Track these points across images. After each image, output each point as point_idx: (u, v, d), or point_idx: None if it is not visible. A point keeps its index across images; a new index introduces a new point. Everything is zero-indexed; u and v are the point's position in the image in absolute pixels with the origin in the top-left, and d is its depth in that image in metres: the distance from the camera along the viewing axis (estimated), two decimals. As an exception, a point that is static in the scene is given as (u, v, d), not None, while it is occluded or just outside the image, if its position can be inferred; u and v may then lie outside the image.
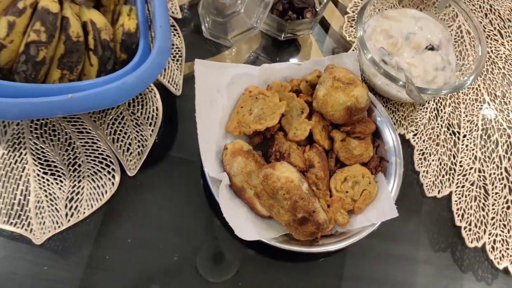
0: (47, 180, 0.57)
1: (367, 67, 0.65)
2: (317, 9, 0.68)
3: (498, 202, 0.64)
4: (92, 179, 0.58)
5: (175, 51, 0.67)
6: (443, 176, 0.65)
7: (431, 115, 0.69)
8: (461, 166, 0.66)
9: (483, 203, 0.64)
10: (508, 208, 0.64)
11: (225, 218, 0.52)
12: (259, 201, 0.54)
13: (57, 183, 0.57)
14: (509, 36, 0.79)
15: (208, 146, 0.57)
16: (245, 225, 0.54)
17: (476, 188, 0.65)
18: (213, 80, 0.60)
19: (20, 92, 0.48)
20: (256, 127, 0.59)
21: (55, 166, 0.58)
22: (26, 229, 0.55)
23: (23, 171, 0.57)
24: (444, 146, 0.67)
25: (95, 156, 0.59)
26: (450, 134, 0.68)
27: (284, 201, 0.52)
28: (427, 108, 0.70)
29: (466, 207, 0.64)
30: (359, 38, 0.63)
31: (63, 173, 0.58)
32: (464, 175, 0.66)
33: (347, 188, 0.58)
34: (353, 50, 0.72)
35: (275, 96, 0.60)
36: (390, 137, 0.62)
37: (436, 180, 0.65)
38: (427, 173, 0.65)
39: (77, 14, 0.51)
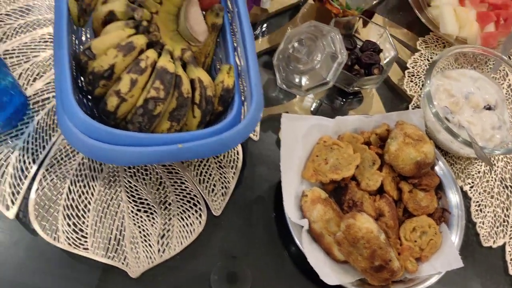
0: (141, 217, 0.62)
1: (431, 123, 0.70)
2: (383, 65, 0.74)
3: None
4: (182, 217, 0.63)
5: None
6: (497, 228, 0.70)
7: (486, 169, 0.74)
8: (513, 218, 0.71)
9: (534, 255, 0.69)
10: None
11: (310, 263, 0.58)
12: (339, 248, 0.59)
13: (149, 220, 0.62)
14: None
15: (289, 192, 0.63)
16: (324, 269, 0.59)
17: (528, 239, 0.70)
18: (294, 132, 0.65)
19: (134, 140, 0.53)
20: (332, 176, 0.64)
21: (148, 204, 0.63)
22: (122, 263, 0.59)
23: (118, 208, 0.62)
24: (498, 199, 0.72)
25: (183, 196, 0.64)
26: (503, 188, 0.73)
27: (363, 250, 0.58)
28: (482, 162, 0.75)
29: (518, 257, 0.69)
30: (426, 94, 0.69)
31: (155, 211, 0.63)
32: (516, 227, 0.71)
33: (415, 237, 0.63)
34: (413, 104, 0.77)
35: (349, 148, 0.66)
36: (452, 190, 0.67)
37: (491, 231, 0.70)
38: (483, 224, 0.70)
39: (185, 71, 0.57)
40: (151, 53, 0.54)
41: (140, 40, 0.53)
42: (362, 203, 0.64)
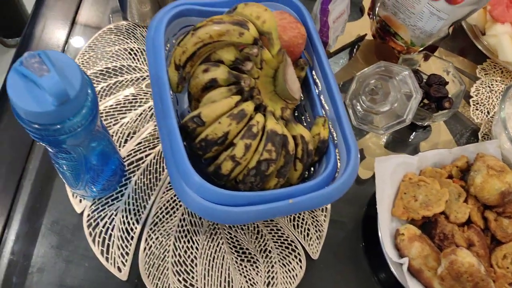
0: (245, 266, 0.65)
1: (507, 151, 0.73)
2: (452, 98, 0.77)
3: None
4: (283, 264, 0.66)
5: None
6: None
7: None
8: None
9: None
10: None
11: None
12: (441, 282, 0.62)
13: (253, 269, 0.65)
14: None
15: (384, 232, 0.65)
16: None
17: None
18: (384, 172, 0.68)
19: (251, 200, 0.56)
20: (424, 213, 0.67)
21: (249, 253, 0.66)
22: (236, 314, 0.62)
23: (223, 259, 0.65)
24: None
25: (281, 242, 0.67)
26: None
27: (467, 283, 0.60)
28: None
29: None
30: (502, 120, 0.72)
31: (257, 260, 0.66)
32: None
33: (507, 264, 0.66)
34: (481, 132, 0.80)
35: (435, 183, 0.69)
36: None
37: None
38: None
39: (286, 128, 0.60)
40: (260, 118, 0.57)
41: (249, 107, 0.56)
42: (453, 235, 0.67)
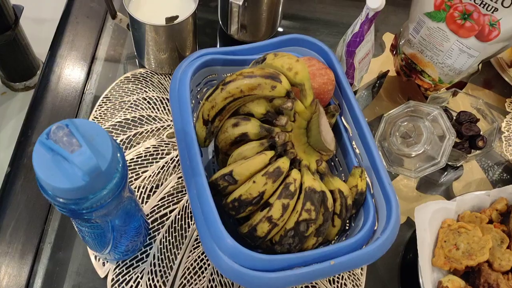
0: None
1: (547, 190, 0.70)
2: (485, 136, 0.74)
3: None
4: (322, 324, 0.62)
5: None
6: None
7: None
8: None
9: None
10: None
11: None
12: None
13: (291, 331, 0.61)
14: None
15: (427, 284, 0.61)
16: None
17: None
18: (423, 221, 0.65)
19: (289, 263, 0.52)
20: (468, 263, 0.63)
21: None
22: None
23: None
24: None
25: (318, 300, 0.63)
26: None
27: None
28: None
29: None
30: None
31: (294, 320, 0.62)
32: None
33: (558, 314, 0.62)
34: (516, 168, 0.77)
35: (476, 230, 0.65)
36: None
37: None
38: None
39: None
40: (296, 174, 0.53)
41: (285, 164, 0.53)
42: (498, 284, 0.63)
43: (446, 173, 0.77)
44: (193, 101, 0.64)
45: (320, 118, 0.56)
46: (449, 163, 0.75)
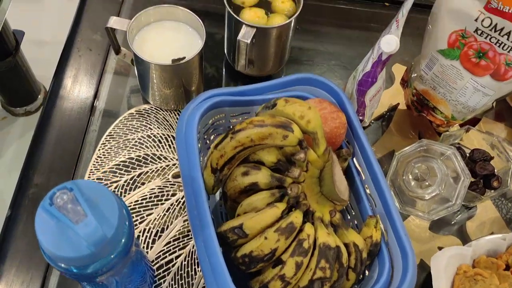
0: None
1: None
2: (500, 175, 0.72)
3: None
4: None
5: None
6: None
7: None
8: None
9: None
10: None
11: None
12: None
13: None
14: None
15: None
16: None
17: None
18: (438, 268, 0.62)
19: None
20: (485, 313, 0.61)
21: None
22: None
23: None
24: None
25: None
26: None
27: None
28: None
29: None
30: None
31: None
32: None
33: None
34: (532, 208, 0.75)
35: (493, 278, 0.63)
36: None
37: None
38: None
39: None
40: (310, 229, 0.51)
41: (298, 218, 0.51)
42: (517, 335, 0.61)
43: (459, 212, 0.75)
44: (200, 141, 0.62)
45: (333, 167, 0.54)
46: (463, 203, 0.73)
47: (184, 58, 0.64)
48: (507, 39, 0.63)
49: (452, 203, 0.67)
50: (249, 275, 0.54)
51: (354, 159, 0.63)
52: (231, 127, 0.66)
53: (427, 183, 0.68)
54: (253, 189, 0.54)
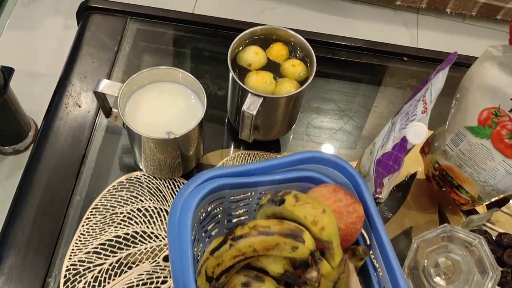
0: None
1: None
2: (530, 265, 0.64)
3: None
4: None
5: None
6: None
7: None
8: None
9: None
10: None
11: None
12: None
13: None
14: None
15: None
16: None
17: None
18: None
19: None
20: None
21: None
22: None
23: None
24: None
25: None
26: None
27: None
28: None
29: None
30: None
31: None
32: None
33: None
34: None
35: None
36: None
37: None
38: None
39: None
40: None
41: None
42: None
43: None
44: (195, 228, 0.54)
45: (349, 280, 0.47)
46: (490, 297, 0.65)
47: (179, 135, 0.57)
48: (545, 120, 0.56)
49: (480, 302, 0.59)
50: None
51: (371, 253, 0.55)
52: (230, 221, 0.60)
53: (451, 278, 0.60)
54: (256, 303, 0.46)
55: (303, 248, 0.44)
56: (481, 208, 0.73)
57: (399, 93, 0.84)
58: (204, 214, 0.55)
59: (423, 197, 0.74)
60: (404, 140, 0.55)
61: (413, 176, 0.76)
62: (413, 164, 0.76)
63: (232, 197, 0.56)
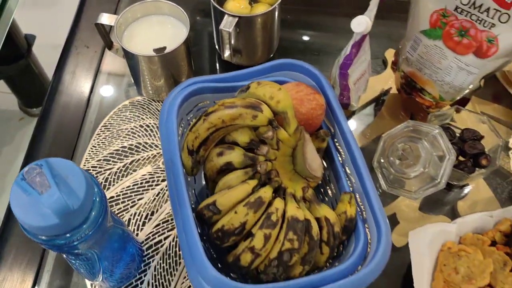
0: None
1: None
2: (489, 154, 0.71)
3: None
4: None
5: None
6: None
7: None
8: None
9: None
10: None
11: None
12: None
13: None
14: None
15: (425, 313, 0.60)
16: None
17: None
18: (419, 245, 0.63)
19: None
20: (467, 287, 0.61)
21: None
22: None
23: None
24: None
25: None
26: None
27: None
28: None
29: None
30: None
31: None
32: None
33: None
34: (525, 186, 0.74)
35: (477, 253, 0.63)
36: None
37: None
38: None
39: (308, 210, 0.56)
40: (279, 203, 0.53)
41: (267, 193, 0.53)
42: (502, 310, 0.60)
43: (451, 192, 0.75)
44: (185, 130, 0.64)
45: (305, 145, 0.56)
46: (452, 182, 0.73)
47: (165, 48, 0.67)
48: (487, 15, 0.63)
49: (438, 181, 0.67)
50: (227, 251, 0.56)
51: (336, 140, 0.64)
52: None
53: (410, 162, 0.68)
54: (228, 168, 0.56)
55: (261, 117, 0.54)
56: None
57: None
58: (194, 120, 0.65)
59: (396, 108, 0.82)
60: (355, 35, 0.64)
61: (387, 92, 0.84)
62: (387, 82, 0.84)
63: (215, 102, 0.66)
